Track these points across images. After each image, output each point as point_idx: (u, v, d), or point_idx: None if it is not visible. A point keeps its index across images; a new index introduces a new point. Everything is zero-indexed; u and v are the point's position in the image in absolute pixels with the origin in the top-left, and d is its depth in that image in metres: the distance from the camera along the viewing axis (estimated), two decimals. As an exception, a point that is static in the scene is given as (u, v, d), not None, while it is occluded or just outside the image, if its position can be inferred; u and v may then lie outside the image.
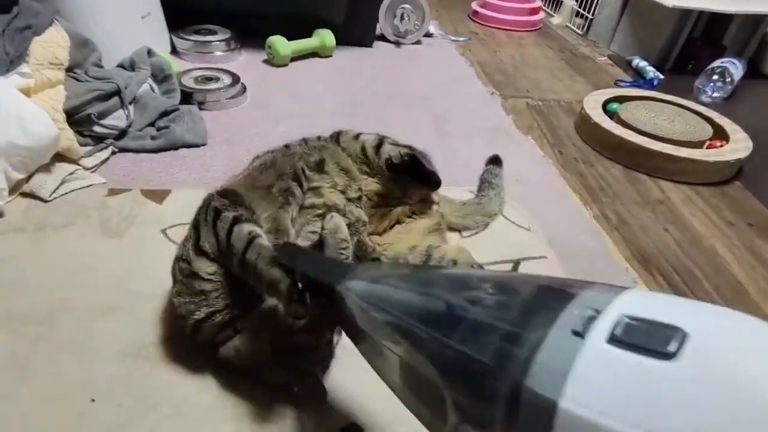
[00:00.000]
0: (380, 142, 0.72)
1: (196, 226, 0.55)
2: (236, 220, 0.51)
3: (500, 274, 0.34)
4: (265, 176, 0.65)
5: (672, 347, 0.21)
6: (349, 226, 0.64)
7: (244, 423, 0.51)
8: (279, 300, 0.47)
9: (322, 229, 0.57)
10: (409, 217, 0.73)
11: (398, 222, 0.73)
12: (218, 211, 0.53)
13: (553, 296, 0.27)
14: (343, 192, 0.66)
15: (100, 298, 0.62)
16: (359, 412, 0.54)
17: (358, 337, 0.41)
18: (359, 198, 0.69)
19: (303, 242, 0.61)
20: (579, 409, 0.22)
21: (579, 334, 0.24)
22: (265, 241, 0.50)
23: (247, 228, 0.50)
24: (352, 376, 0.57)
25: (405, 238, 0.70)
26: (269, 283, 0.46)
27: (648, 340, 0.22)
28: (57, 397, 0.51)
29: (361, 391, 0.56)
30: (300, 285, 0.45)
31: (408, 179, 0.71)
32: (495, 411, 0.26)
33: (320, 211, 0.64)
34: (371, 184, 0.71)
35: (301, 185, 0.64)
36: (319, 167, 0.67)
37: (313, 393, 0.53)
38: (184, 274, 0.54)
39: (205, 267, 0.52)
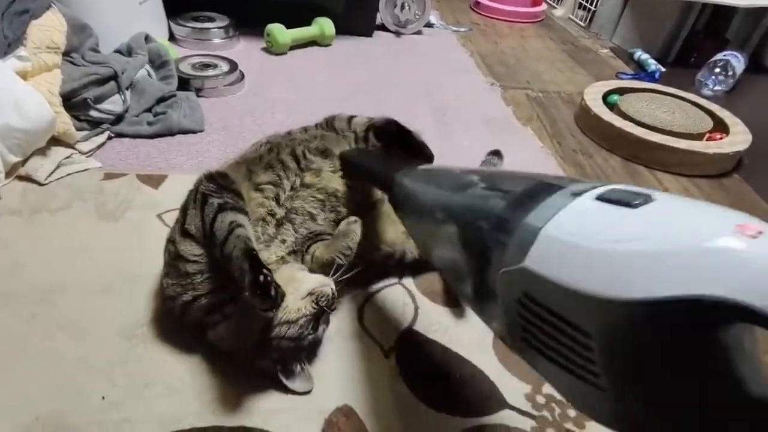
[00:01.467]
0: (369, 126, 0.72)
1: (184, 208, 0.55)
2: (221, 208, 0.51)
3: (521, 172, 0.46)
4: (257, 151, 0.65)
5: (636, 201, 0.28)
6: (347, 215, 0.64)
7: (236, 402, 0.52)
8: (245, 291, 0.46)
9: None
10: None
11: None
12: (205, 196, 0.53)
13: (562, 179, 0.36)
14: (345, 183, 0.66)
15: (95, 280, 0.63)
16: (346, 396, 0.54)
17: (405, 214, 0.54)
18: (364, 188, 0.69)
19: (301, 218, 0.60)
20: (555, 232, 0.31)
21: (576, 194, 0.32)
22: (245, 231, 0.50)
23: (230, 217, 0.50)
24: (338, 360, 0.58)
25: (400, 227, 0.70)
26: (238, 273, 0.46)
27: (622, 198, 0.29)
28: (53, 375, 0.52)
29: (348, 375, 0.56)
30: (268, 278, 0.45)
31: (399, 152, 0.71)
32: (495, 243, 0.35)
33: (320, 197, 0.63)
34: None
35: (298, 163, 0.64)
36: (323, 154, 0.66)
37: (296, 384, 0.53)
38: (171, 256, 0.54)
39: (191, 249, 0.52)
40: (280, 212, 0.60)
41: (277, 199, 0.60)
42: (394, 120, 0.70)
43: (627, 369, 0.28)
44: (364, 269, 0.66)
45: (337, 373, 0.56)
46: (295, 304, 0.51)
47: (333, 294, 0.54)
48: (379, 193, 0.70)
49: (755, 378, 0.24)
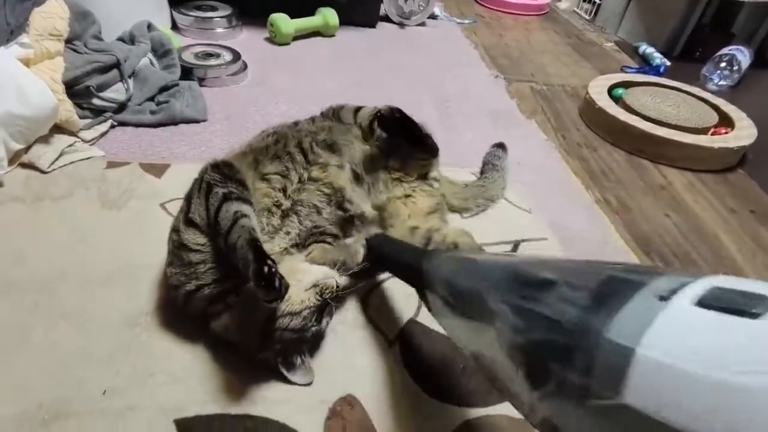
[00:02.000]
0: (375, 116, 0.71)
1: (188, 197, 0.55)
2: (226, 198, 0.51)
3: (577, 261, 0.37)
4: (264, 141, 0.65)
5: (758, 309, 0.22)
6: (351, 218, 0.64)
7: (239, 391, 0.52)
8: (249, 281, 0.46)
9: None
10: (409, 196, 0.72)
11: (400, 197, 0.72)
12: (210, 185, 0.53)
13: (638, 273, 0.28)
14: (351, 181, 0.66)
15: (98, 269, 0.62)
16: (349, 385, 0.54)
17: (441, 314, 0.45)
18: (368, 190, 0.69)
19: (306, 211, 0.60)
20: (657, 355, 0.23)
21: (664, 299, 0.24)
22: (249, 221, 0.50)
23: (234, 207, 0.50)
24: (342, 350, 0.57)
25: (405, 219, 0.70)
26: (242, 263, 0.46)
27: (735, 304, 0.22)
28: (56, 364, 0.52)
29: (352, 365, 0.56)
30: (272, 269, 0.44)
31: (403, 144, 0.71)
32: (574, 363, 0.27)
33: (327, 191, 0.62)
34: (372, 161, 0.71)
35: (305, 156, 0.63)
36: (330, 148, 0.66)
37: (296, 377, 0.53)
38: (175, 245, 0.54)
39: (194, 238, 0.52)
40: (286, 204, 0.59)
41: (283, 190, 0.60)
42: (399, 109, 0.69)
43: None
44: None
45: (341, 362, 0.56)
46: (298, 296, 0.51)
47: (338, 286, 0.54)
48: (383, 190, 0.70)
49: None
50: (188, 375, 0.53)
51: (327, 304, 0.53)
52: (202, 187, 0.54)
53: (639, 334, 0.24)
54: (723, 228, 0.89)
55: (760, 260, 0.82)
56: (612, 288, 0.27)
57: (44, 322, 0.56)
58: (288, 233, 0.59)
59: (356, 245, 0.59)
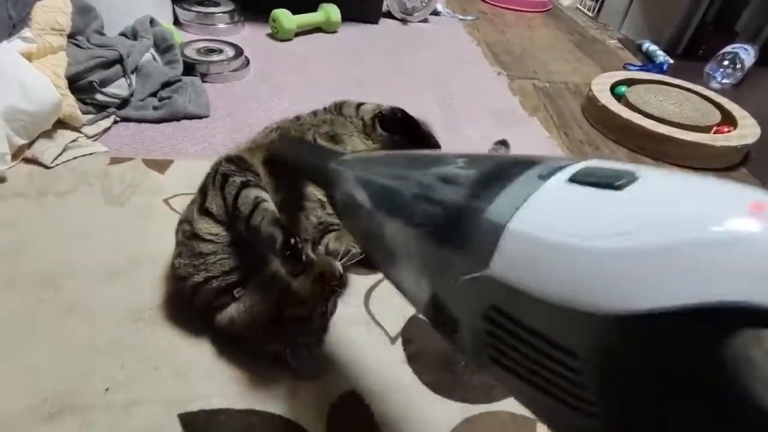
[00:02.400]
0: (376, 114, 0.72)
1: (203, 190, 0.55)
2: (244, 185, 0.52)
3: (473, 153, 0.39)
4: (268, 137, 0.65)
5: (621, 182, 0.23)
6: None
7: (243, 386, 0.52)
8: (276, 256, 0.47)
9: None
10: None
11: None
12: (226, 176, 0.53)
13: (524, 160, 0.29)
14: None
15: (102, 264, 0.63)
16: (353, 381, 0.54)
17: (344, 213, 0.44)
18: None
19: (312, 205, 0.61)
20: (525, 228, 0.24)
21: (543, 177, 0.26)
22: (270, 205, 0.50)
23: (254, 193, 0.51)
24: (345, 346, 0.58)
25: None
26: (268, 240, 0.47)
27: (602, 178, 0.24)
28: (61, 357, 0.52)
29: (355, 362, 0.57)
30: (298, 243, 0.46)
31: (405, 142, 0.70)
32: (450, 244, 0.29)
33: None
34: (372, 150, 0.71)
35: None
36: (333, 140, 0.66)
37: (304, 369, 0.53)
38: (186, 236, 0.54)
39: (208, 227, 0.53)
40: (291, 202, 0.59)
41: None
42: (401, 109, 0.69)
43: (626, 393, 0.22)
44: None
45: (344, 359, 0.57)
46: (305, 286, 0.51)
47: (340, 273, 0.54)
48: None
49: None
50: (192, 369, 0.53)
51: (333, 292, 0.54)
52: (216, 178, 0.54)
53: (512, 211, 0.25)
54: (725, 226, 0.89)
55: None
56: (498, 171, 0.29)
57: (49, 316, 0.56)
58: (304, 229, 0.59)
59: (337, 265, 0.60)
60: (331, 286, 0.53)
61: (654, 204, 0.22)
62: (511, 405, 0.55)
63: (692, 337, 0.20)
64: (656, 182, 0.23)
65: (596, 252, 0.21)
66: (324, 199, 0.61)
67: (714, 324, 0.19)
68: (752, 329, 0.19)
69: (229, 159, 0.56)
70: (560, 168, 0.26)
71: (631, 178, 0.23)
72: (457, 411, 0.53)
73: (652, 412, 0.22)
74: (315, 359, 0.54)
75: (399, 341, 0.60)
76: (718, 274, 0.18)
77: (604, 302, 0.21)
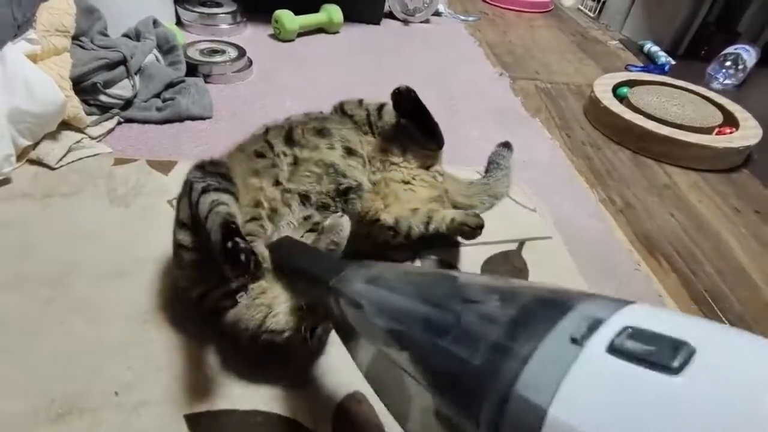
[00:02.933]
0: (382, 104, 0.73)
1: (178, 199, 0.56)
2: (203, 191, 0.51)
3: (499, 281, 0.34)
4: (252, 139, 0.66)
5: (677, 362, 0.19)
6: (348, 189, 0.64)
7: (248, 387, 0.52)
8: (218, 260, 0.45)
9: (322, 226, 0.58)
10: (408, 183, 0.72)
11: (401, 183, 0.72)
12: (191, 183, 0.53)
13: (553, 305, 0.25)
14: (343, 157, 0.66)
15: (108, 264, 0.63)
16: (357, 382, 0.54)
17: (347, 334, 0.41)
18: (363, 164, 0.69)
19: (297, 200, 0.61)
20: (570, 419, 0.20)
21: (577, 342, 0.22)
22: (226, 207, 0.49)
23: (211, 197, 0.50)
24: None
25: (405, 202, 0.70)
26: (213, 244, 0.45)
27: (651, 352, 0.20)
28: (68, 358, 0.52)
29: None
30: (239, 245, 0.43)
31: (409, 132, 0.71)
32: (480, 420, 0.24)
33: (317, 170, 0.62)
34: (372, 146, 0.71)
35: (290, 143, 0.64)
36: (320, 133, 0.66)
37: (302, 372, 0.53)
38: (174, 246, 0.55)
39: (186, 238, 0.53)
40: (278, 195, 0.59)
41: (276, 183, 0.60)
42: (414, 90, 0.70)
43: None
44: (370, 254, 0.67)
45: (348, 360, 0.57)
46: (284, 315, 0.51)
47: (327, 313, 0.51)
48: (381, 169, 0.70)
49: None
50: (198, 370, 0.53)
51: (309, 329, 0.51)
52: (185, 187, 0.55)
53: (551, 391, 0.21)
54: (727, 228, 0.89)
55: (765, 260, 0.82)
56: (521, 323, 0.25)
57: (56, 316, 0.56)
58: (290, 224, 0.59)
59: (333, 221, 0.57)
60: (304, 326, 0.51)
61: (720, 399, 0.18)
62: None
63: None
64: (717, 359, 0.20)
65: None
66: (309, 188, 0.61)
67: None
68: None
69: (197, 166, 0.56)
70: (595, 328, 0.22)
71: (687, 356, 0.19)
72: (461, 412, 0.54)
73: None
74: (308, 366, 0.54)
75: (403, 342, 0.60)
76: None
77: None
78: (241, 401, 0.51)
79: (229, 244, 0.43)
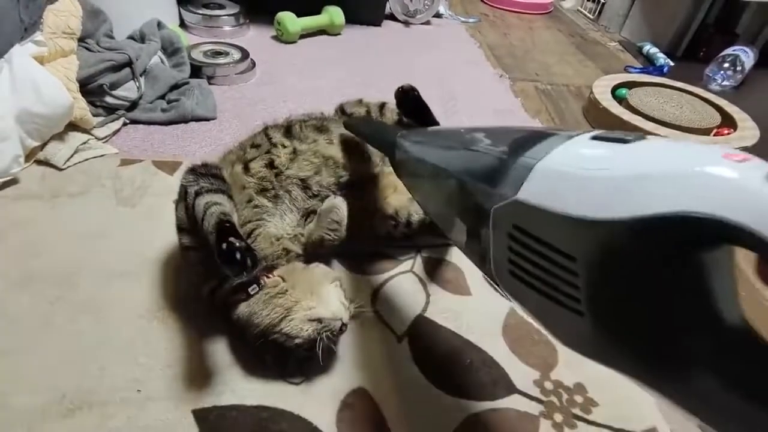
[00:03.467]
0: (383, 103, 0.75)
1: (176, 204, 0.58)
2: (197, 194, 0.53)
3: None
4: (251, 136, 0.68)
5: (630, 138, 0.30)
6: (349, 184, 0.65)
7: (255, 383, 0.54)
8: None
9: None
10: None
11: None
12: (185, 188, 0.55)
13: (559, 128, 0.37)
14: (343, 151, 0.67)
15: (115, 263, 0.64)
16: (361, 379, 0.56)
17: (406, 175, 0.55)
18: (364, 159, 0.70)
19: (296, 190, 0.62)
20: (548, 165, 0.32)
21: (571, 137, 0.33)
22: (220, 207, 0.51)
23: (205, 199, 0.51)
24: (354, 345, 0.59)
25: (404, 192, 0.71)
26: (212, 245, 0.47)
27: (617, 137, 0.30)
28: (78, 355, 0.54)
29: (363, 360, 0.58)
30: (234, 244, 0.44)
31: (413, 126, 0.73)
32: (490, 186, 0.36)
33: (316, 160, 0.63)
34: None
35: (289, 136, 0.65)
36: (319, 129, 0.68)
37: (290, 376, 0.54)
38: (180, 248, 0.57)
39: (188, 240, 0.55)
40: (275, 183, 0.61)
41: (271, 166, 0.61)
42: (416, 88, 0.71)
43: (607, 291, 0.28)
44: (374, 252, 0.68)
45: (352, 357, 0.58)
46: (301, 322, 0.52)
47: (341, 330, 0.54)
48: (379, 164, 0.72)
49: (729, 303, 0.26)
50: (205, 366, 0.54)
51: (321, 340, 0.52)
52: (180, 192, 0.57)
53: (544, 154, 0.32)
54: (724, 228, 0.90)
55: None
56: (536, 134, 0.36)
57: (64, 314, 0.57)
58: (284, 214, 0.60)
59: (330, 202, 0.59)
60: (320, 337, 0.52)
61: (651, 151, 0.28)
62: (515, 402, 0.56)
63: (670, 242, 0.25)
64: (657, 141, 0.30)
65: (600, 177, 0.28)
66: (308, 174, 0.62)
67: (694, 232, 0.24)
68: (728, 245, 0.24)
69: (190, 170, 0.57)
70: (587, 132, 0.33)
71: (639, 138, 0.30)
72: (462, 408, 0.55)
73: (628, 309, 0.28)
74: (300, 370, 0.55)
75: (405, 340, 0.61)
76: (695, 195, 0.24)
77: (600, 212, 0.27)
78: (247, 396, 0.52)
79: (224, 246, 0.44)
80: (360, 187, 0.67)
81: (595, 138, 0.32)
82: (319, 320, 0.53)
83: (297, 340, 0.52)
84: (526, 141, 0.35)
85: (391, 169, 0.72)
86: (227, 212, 0.51)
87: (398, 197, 0.70)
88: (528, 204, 0.32)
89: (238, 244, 0.45)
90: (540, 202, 0.31)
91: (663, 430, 0.55)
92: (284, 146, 0.64)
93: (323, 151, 0.64)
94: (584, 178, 0.29)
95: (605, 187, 0.27)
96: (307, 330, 0.52)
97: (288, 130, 0.67)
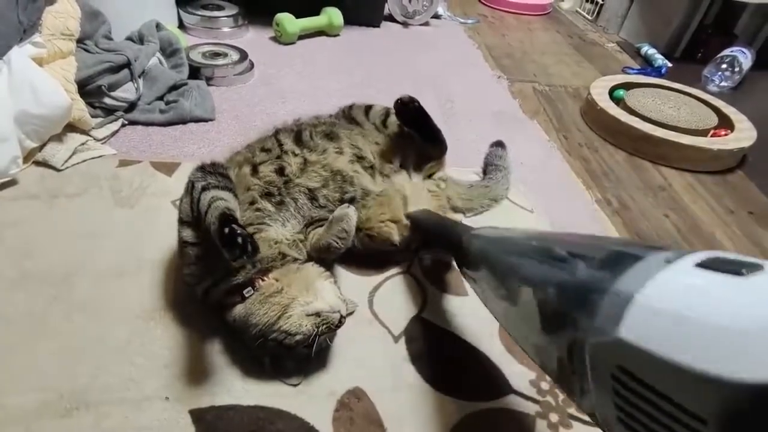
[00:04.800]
0: (387, 111, 0.75)
1: (181, 198, 0.58)
2: (203, 189, 0.53)
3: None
4: (261, 139, 0.68)
5: (745, 270, 0.25)
6: (352, 199, 0.65)
7: (251, 383, 0.54)
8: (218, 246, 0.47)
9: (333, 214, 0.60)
10: (412, 195, 0.74)
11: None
12: (192, 183, 0.56)
13: (645, 244, 0.33)
14: (352, 162, 0.67)
15: (112, 263, 0.64)
16: (357, 378, 0.56)
17: (473, 276, 0.52)
18: (372, 173, 0.70)
19: (303, 198, 0.62)
20: (652, 300, 0.27)
21: (669, 261, 0.29)
22: (224, 202, 0.51)
23: (211, 194, 0.52)
24: (350, 344, 0.59)
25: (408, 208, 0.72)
26: (213, 234, 0.48)
27: (728, 266, 0.26)
28: (73, 353, 0.54)
29: (360, 359, 0.58)
30: (236, 230, 0.46)
31: (412, 142, 0.73)
32: (580, 311, 0.32)
33: (324, 173, 0.64)
34: (378, 154, 0.73)
35: (299, 143, 0.66)
36: (329, 136, 0.68)
37: (287, 377, 0.55)
38: (180, 243, 0.57)
39: (189, 234, 0.55)
40: (282, 190, 0.61)
41: (281, 173, 0.62)
42: (416, 99, 0.71)
43: None
44: (376, 254, 0.68)
45: (348, 357, 0.58)
46: (299, 318, 0.52)
47: (340, 322, 0.54)
48: (391, 168, 0.72)
49: None
50: (202, 367, 0.55)
51: (320, 334, 0.53)
52: (187, 187, 0.57)
53: (641, 284, 0.28)
54: (721, 228, 0.91)
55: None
56: (625, 254, 0.32)
57: (61, 314, 0.58)
58: (285, 223, 0.60)
59: (342, 211, 0.59)
60: (320, 331, 0.52)
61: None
62: (510, 402, 0.56)
63: None
64: None
65: (727, 326, 0.23)
66: (316, 185, 0.63)
67: None
68: None
69: (199, 167, 0.58)
70: (688, 254, 0.29)
71: (756, 269, 0.25)
72: (459, 408, 0.55)
73: None
74: (297, 371, 0.55)
75: (402, 340, 0.61)
76: None
77: (738, 372, 0.22)
78: (244, 397, 0.53)
79: (226, 230, 0.46)
80: (364, 203, 0.68)
81: (700, 265, 0.27)
82: (318, 314, 0.53)
83: (297, 337, 0.52)
84: (616, 261, 0.31)
85: (397, 187, 0.73)
86: (231, 208, 0.51)
87: (401, 217, 0.70)
88: (635, 346, 0.27)
89: (239, 231, 0.46)
90: (650, 346, 0.26)
91: (658, 429, 0.55)
92: (295, 154, 0.64)
93: (332, 164, 0.65)
94: (706, 324, 0.24)
95: (736, 340, 0.23)
96: (306, 325, 0.52)
97: (298, 136, 0.67)
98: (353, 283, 0.68)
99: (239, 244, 0.45)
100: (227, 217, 0.48)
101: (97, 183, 0.77)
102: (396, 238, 0.68)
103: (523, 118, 1.17)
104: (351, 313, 0.61)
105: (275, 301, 0.53)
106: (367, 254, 0.70)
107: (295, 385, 0.54)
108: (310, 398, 0.53)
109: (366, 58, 1.34)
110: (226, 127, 0.96)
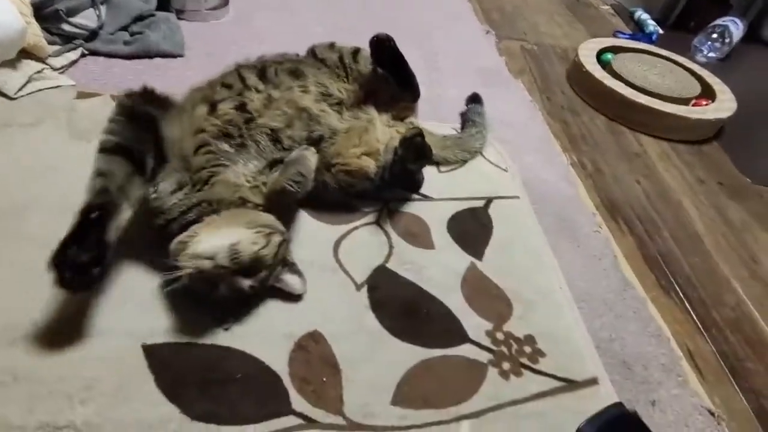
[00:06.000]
0: (357, 49, 0.72)
1: None
2: (101, 149, 0.52)
3: None
4: (222, 74, 0.66)
5: None
6: (320, 138, 0.63)
7: (209, 323, 0.54)
8: None
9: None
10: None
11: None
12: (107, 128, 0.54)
13: None
14: (317, 101, 0.65)
15: (67, 198, 0.60)
16: (316, 322, 0.56)
17: None
18: (339, 109, 0.68)
19: (265, 138, 0.60)
20: None
21: None
22: (103, 181, 0.50)
23: (99, 162, 0.51)
24: (312, 289, 0.59)
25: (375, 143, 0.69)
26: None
27: None
28: (25, 284, 0.52)
29: (320, 304, 0.58)
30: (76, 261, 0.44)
31: (384, 85, 0.71)
32: None
33: (289, 111, 0.62)
34: (346, 92, 0.70)
35: (263, 79, 0.63)
36: (294, 74, 0.65)
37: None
38: None
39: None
40: (243, 131, 0.59)
41: (241, 108, 0.59)
42: (392, 38, 0.68)
43: None
44: (339, 203, 0.67)
45: (309, 301, 0.58)
46: (190, 258, 0.49)
47: (220, 272, 0.49)
48: (350, 118, 0.70)
49: None
50: (158, 306, 0.54)
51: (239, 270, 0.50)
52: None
53: None
54: (689, 197, 0.92)
55: (718, 229, 0.86)
56: None
57: (14, 245, 0.56)
58: (248, 161, 0.58)
59: (299, 153, 0.56)
60: (231, 266, 0.49)
61: None
62: (466, 350, 0.57)
63: None
64: None
65: None
66: (279, 125, 0.60)
67: None
68: None
69: (121, 102, 0.55)
70: None
71: None
72: (414, 354, 0.56)
73: None
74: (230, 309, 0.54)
75: (364, 288, 0.61)
76: None
77: None
78: (201, 336, 0.52)
79: (66, 251, 0.42)
80: (331, 142, 0.65)
81: None
82: (232, 247, 0.49)
83: (179, 273, 0.48)
84: None
85: (365, 124, 0.70)
86: (112, 189, 0.47)
87: (371, 144, 0.68)
88: None
89: (82, 258, 0.42)
90: None
91: (603, 380, 0.57)
92: (258, 90, 0.61)
93: (298, 101, 0.62)
94: None
95: None
96: (189, 265, 0.48)
97: (262, 72, 0.64)
98: (320, 230, 0.67)
99: (65, 279, 0.41)
100: (85, 222, 0.44)
101: (53, 114, 0.73)
102: (373, 170, 0.67)
103: (508, 77, 1.14)
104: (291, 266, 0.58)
105: (188, 236, 0.52)
106: (335, 202, 0.69)
107: (226, 329, 0.53)
108: (267, 339, 0.54)
109: (350, 5, 1.27)
110: (195, 65, 0.91)
